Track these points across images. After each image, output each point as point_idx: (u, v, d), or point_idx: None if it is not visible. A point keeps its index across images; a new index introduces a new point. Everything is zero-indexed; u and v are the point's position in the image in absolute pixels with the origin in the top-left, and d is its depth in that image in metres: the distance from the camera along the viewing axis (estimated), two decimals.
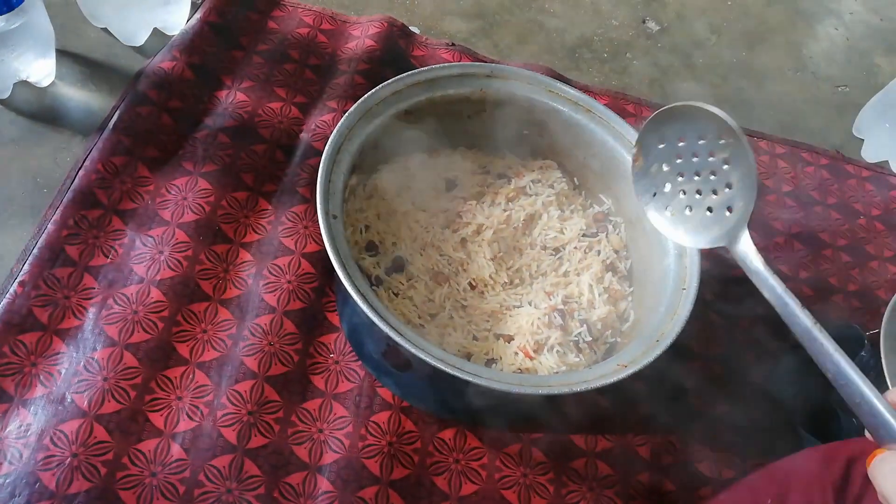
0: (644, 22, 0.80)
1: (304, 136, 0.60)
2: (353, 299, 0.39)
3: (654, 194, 0.39)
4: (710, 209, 0.36)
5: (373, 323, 0.39)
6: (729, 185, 0.35)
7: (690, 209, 0.37)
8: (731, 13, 0.85)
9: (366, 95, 0.48)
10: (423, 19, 0.73)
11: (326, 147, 0.44)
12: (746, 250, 0.33)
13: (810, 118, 0.76)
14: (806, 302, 0.62)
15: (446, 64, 0.52)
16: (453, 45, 0.70)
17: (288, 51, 0.66)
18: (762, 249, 0.62)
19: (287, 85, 0.63)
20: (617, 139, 0.51)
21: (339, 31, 0.69)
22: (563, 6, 0.79)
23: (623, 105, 0.70)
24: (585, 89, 0.70)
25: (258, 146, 0.58)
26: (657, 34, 0.79)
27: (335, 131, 0.45)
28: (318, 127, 0.60)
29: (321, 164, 0.44)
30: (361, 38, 0.68)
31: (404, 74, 0.50)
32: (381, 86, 0.49)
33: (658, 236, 0.49)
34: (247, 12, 0.67)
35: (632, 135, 0.51)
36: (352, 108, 0.47)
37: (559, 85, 0.53)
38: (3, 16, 0.51)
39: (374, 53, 0.66)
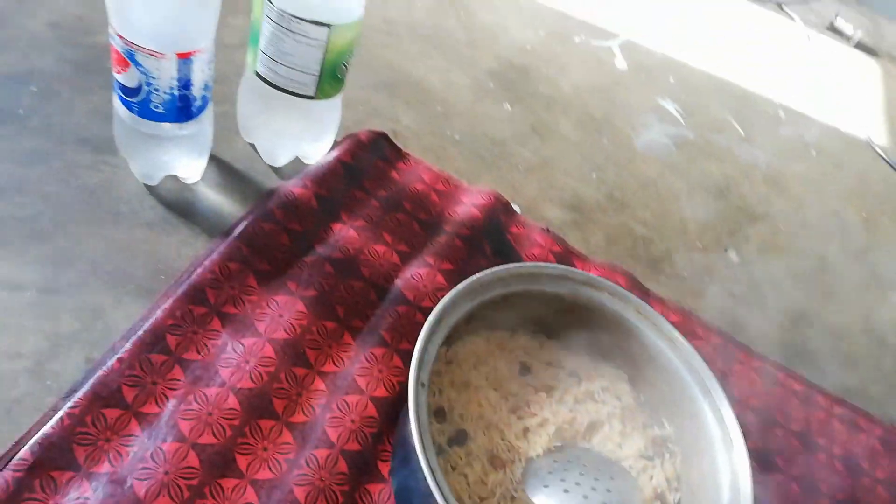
0: (726, 251, 0.85)
1: (398, 282, 0.65)
2: (421, 469, 0.41)
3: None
4: None
5: (430, 494, 0.41)
6: None
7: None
8: (808, 262, 0.89)
9: (475, 277, 0.52)
10: (526, 200, 0.79)
11: (430, 317, 0.48)
12: None
13: (871, 384, 0.78)
14: None
15: (550, 264, 0.56)
16: (548, 230, 0.75)
17: (402, 202, 0.72)
18: None
19: (394, 232, 0.69)
20: (692, 374, 0.54)
21: (450, 193, 0.76)
22: (655, 217, 0.85)
23: (693, 327, 0.73)
24: (661, 301, 0.74)
25: (356, 282, 0.63)
26: (736, 265, 0.84)
27: (440, 304, 0.49)
28: (413, 278, 0.65)
29: (422, 333, 0.47)
30: (468, 205, 0.74)
31: (511, 265, 0.54)
32: (488, 271, 0.53)
33: (714, 476, 0.50)
34: (376, 159, 0.75)
35: (706, 374, 0.54)
36: (460, 286, 0.51)
37: (648, 308, 0.56)
38: (181, 123, 0.58)
39: (476, 222, 0.72)
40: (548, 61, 1.01)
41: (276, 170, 0.69)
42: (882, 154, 1.15)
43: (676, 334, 0.55)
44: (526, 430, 0.52)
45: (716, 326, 0.74)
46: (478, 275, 0.52)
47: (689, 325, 0.73)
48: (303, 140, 0.68)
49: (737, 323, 0.77)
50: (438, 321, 0.49)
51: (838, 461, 0.68)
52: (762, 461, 0.65)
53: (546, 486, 0.49)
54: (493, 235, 0.73)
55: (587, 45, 1.07)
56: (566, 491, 0.48)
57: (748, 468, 0.49)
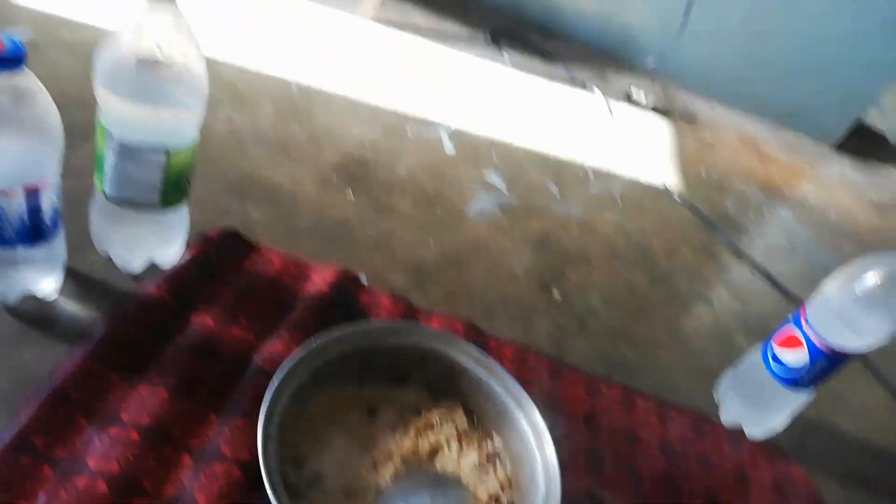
0: (550, 290, 0.99)
1: (256, 358, 0.72)
2: None
3: None
4: None
5: None
6: None
7: None
8: (620, 289, 1.05)
9: (313, 339, 0.61)
10: (372, 270, 0.89)
11: (273, 378, 0.56)
12: None
13: (681, 382, 0.92)
14: None
15: (381, 321, 0.66)
16: (392, 293, 0.86)
17: (255, 287, 0.80)
18: (630, 491, 0.74)
19: (249, 315, 0.77)
20: (507, 393, 0.65)
21: (301, 274, 0.85)
22: (486, 272, 0.98)
23: (526, 356, 0.85)
24: (496, 338, 0.86)
25: (216, 364, 0.70)
26: (560, 302, 0.98)
27: (282, 365, 0.58)
28: (270, 352, 0.73)
29: (268, 390, 0.55)
30: (318, 282, 0.84)
31: (346, 326, 0.64)
32: (327, 332, 0.62)
33: (533, 475, 0.60)
34: (228, 254, 0.83)
35: (517, 390, 0.65)
36: (299, 352, 0.60)
37: (469, 347, 0.68)
38: (32, 246, 0.64)
39: (325, 295, 0.82)
40: (384, 152, 1.15)
41: (133, 276, 0.76)
42: (676, 197, 1.37)
43: (493, 363, 0.67)
44: (375, 464, 0.61)
45: (545, 353, 0.86)
46: (314, 338, 0.61)
47: (522, 356, 0.85)
48: (155, 246, 0.76)
49: (564, 348, 0.90)
50: (284, 379, 0.57)
51: (657, 449, 0.81)
52: (592, 459, 0.76)
53: None
54: (343, 305, 0.82)
55: (419, 134, 1.23)
56: None
57: (555, 457, 0.60)
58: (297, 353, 0.59)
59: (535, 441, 0.62)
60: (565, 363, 0.87)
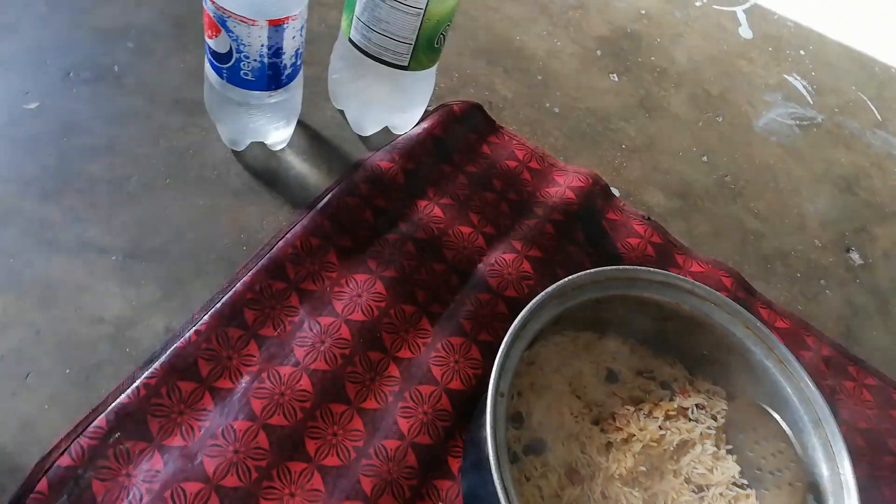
0: (848, 251, 0.76)
1: (481, 267, 0.61)
2: (493, 482, 0.39)
3: None
4: None
5: None
6: None
7: None
8: None
9: (567, 279, 0.48)
10: (626, 183, 0.73)
11: (515, 322, 0.45)
12: None
13: None
14: None
15: (651, 269, 0.51)
16: (648, 219, 0.70)
17: (492, 179, 0.68)
18: None
19: (481, 212, 0.65)
20: (802, 403, 0.48)
21: (544, 172, 0.71)
22: (769, 210, 0.77)
23: (802, 336, 0.66)
24: (768, 305, 0.67)
25: (438, 265, 0.60)
26: (858, 268, 0.75)
27: (527, 309, 0.45)
28: (497, 263, 0.61)
29: (505, 338, 0.44)
30: (563, 186, 0.69)
31: (608, 268, 0.50)
32: (582, 273, 0.49)
33: None
34: (467, 132, 0.70)
35: (819, 404, 0.48)
36: (550, 289, 0.47)
37: (758, 324, 0.50)
38: (270, 91, 0.56)
39: (570, 207, 0.67)
40: (663, 28, 0.92)
41: (363, 139, 0.67)
42: None
43: (790, 357, 0.49)
44: (609, 445, 0.49)
45: (829, 337, 0.67)
46: (571, 277, 0.48)
47: (797, 334, 0.66)
48: (393, 110, 0.65)
49: (852, 334, 0.69)
50: (523, 325, 0.45)
51: None
52: (867, 490, 0.58)
53: None
54: (587, 222, 0.68)
55: (709, 9, 0.97)
56: None
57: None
58: (546, 292, 0.47)
59: (830, 479, 0.46)
60: (853, 356, 0.67)
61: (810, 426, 0.47)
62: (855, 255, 0.76)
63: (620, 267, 0.50)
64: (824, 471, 0.46)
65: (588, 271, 0.49)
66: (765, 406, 0.49)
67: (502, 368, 0.43)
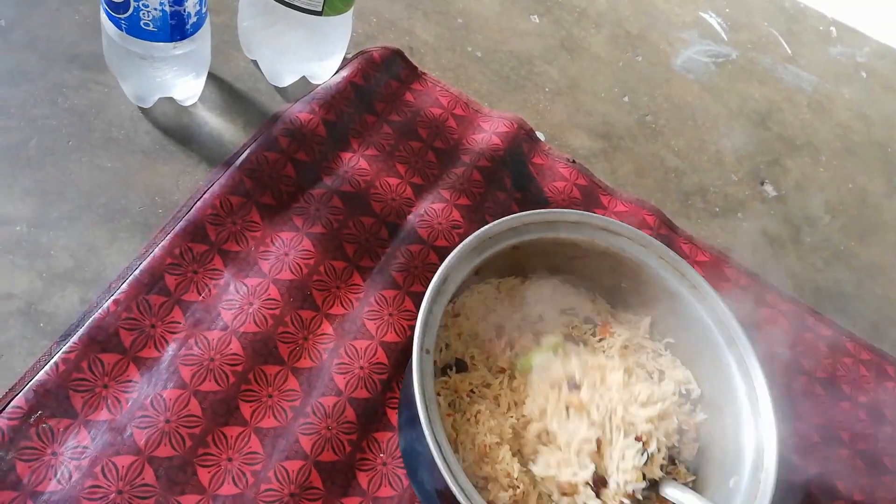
0: (762, 184, 0.79)
1: (410, 218, 0.61)
2: (425, 437, 0.39)
3: None
4: None
5: (436, 465, 0.39)
6: None
7: None
8: (849, 196, 0.84)
9: (483, 230, 0.48)
10: (551, 126, 0.73)
11: (435, 278, 0.45)
12: None
13: None
14: None
15: (566, 210, 0.52)
16: (573, 161, 0.70)
17: (417, 127, 0.67)
18: (822, 458, 0.61)
19: (408, 162, 0.64)
20: (717, 323, 0.51)
21: (469, 118, 0.70)
22: (688, 148, 0.79)
23: (722, 267, 0.69)
24: (690, 240, 0.70)
25: (367, 218, 0.59)
26: (772, 200, 0.79)
27: (446, 263, 0.46)
28: (427, 214, 0.61)
29: (426, 295, 0.44)
30: (489, 132, 0.69)
31: (524, 214, 0.50)
32: (499, 221, 0.49)
33: (737, 433, 0.48)
34: (389, 79, 0.69)
35: (732, 324, 0.50)
36: (468, 240, 0.47)
37: (671, 254, 0.52)
38: (174, 42, 0.53)
39: (497, 152, 0.67)
40: None
41: (280, 90, 0.64)
42: None
43: (701, 281, 0.52)
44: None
45: (746, 267, 0.70)
46: (487, 227, 0.48)
47: (717, 266, 0.69)
48: (310, 59, 0.62)
49: (769, 262, 0.73)
50: (444, 280, 0.45)
51: (862, 410, 0.66)
52: (783, 408, 0.62)
53: None
54: (514, 167, 0.68)
55: None
56: None
57: (774, 432, 0.47)
58: (464, 245, 0.47)
59: (747, 393, 0.49)
60: (769, 284, 0.70)
61: (725, 345, 0.50)
62: (769, 188, 0.80)
63: (534, 211, 0.50)
64: (741, 385, 0.49)
65: (502, 219, 0.49)
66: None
67: (426, 325, 0.43)
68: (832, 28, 1.04)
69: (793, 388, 0.64)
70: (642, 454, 0.45)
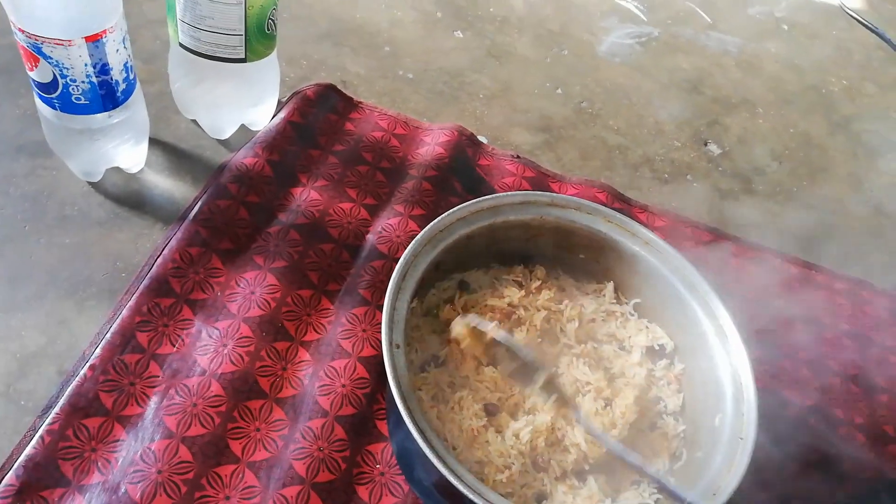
0: (706, 145, 0.82)
1: (369, 237, 0.62)
2: (408, 430, 0.40)
3: None
4: None
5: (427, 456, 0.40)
6: None
7: None
8: (792, 141, 0.86)
9: (433, 223, 0.50)
10: (491, 129, 0.76)
11: (394, 275, 0.46)
12: None
13: (871, 254, 0.76)
14: (859, 450, 0.60)
15: (509, 193, 0.54)
16: (518, 157, 0.72)
17: (362, 153, 0.69)
18: (815, 389, 0.61)
19: (358, 186, 0.66)
20: (674, 273, 0.52)
21: (411, 136, 0.72)
22: (627, 124, 0.81)
23: (682, 228, 0.71)
24: (644, 209, 0.72)
25: (326, 245, 0.61)
26: (718, 157, 0.81)
27: (402, 259, 0.47)
28: (384, 230, 0.63)
29: (388, 292, 0.45)
30: (432, 144, 0.71)
31: (470, 202, 0.52)
32: (447, 213, 0.51)
33: (714, 372, 0.49)
34: (327, 114, 0.71)
35: (689, 270, 0.52)
36: (419, 236, 0.49)
37: (618, 215, 0.54)
38: (108, 112, 0.55)
39: (442, 161, 0.69)
40: None
41: (223, 142, 0.66)
42: (857, 17, 1.10)
43: (652, 236, 0.53)
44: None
45: (704, 223, 0.72)
46: (436, 220, 0.50)
47: (677, 227, 0.71)
48: (244, 106, 0.65)
49: (725, 216, 0.75)
50: (403, 276, 0.46)
51: (846, 337, 0.67)
52: (766, 348, 0.63)
53: None
54: (461, 172, 0.70)
55: None
56: None
57: (746, 358, 0.48)
58: (417, 240, 0.48)
59: (716, 332, 0.50)
60: (729, 235, 0.72)
61: (686, 291, 0.51)
62: (713, 147, 0.82)
63: (480, 199, 0.52)
64: (709, 327, 0.50)
65: (451, 210, 0.51)
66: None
67: (391, 321, 0.44)
68: None
69: (773, 327, 0.65)
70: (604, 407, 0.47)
